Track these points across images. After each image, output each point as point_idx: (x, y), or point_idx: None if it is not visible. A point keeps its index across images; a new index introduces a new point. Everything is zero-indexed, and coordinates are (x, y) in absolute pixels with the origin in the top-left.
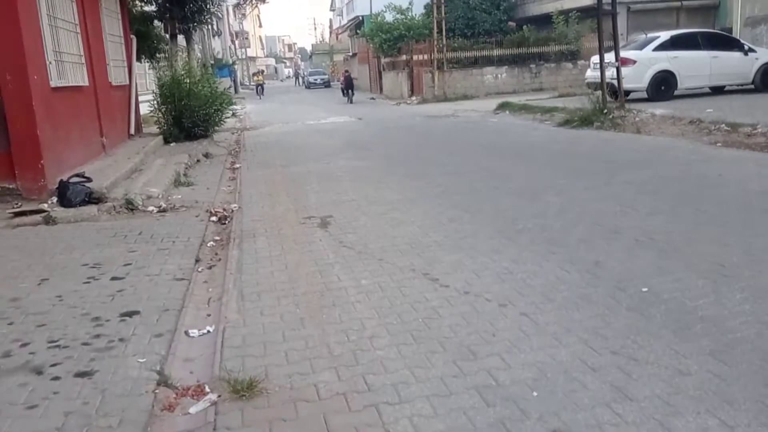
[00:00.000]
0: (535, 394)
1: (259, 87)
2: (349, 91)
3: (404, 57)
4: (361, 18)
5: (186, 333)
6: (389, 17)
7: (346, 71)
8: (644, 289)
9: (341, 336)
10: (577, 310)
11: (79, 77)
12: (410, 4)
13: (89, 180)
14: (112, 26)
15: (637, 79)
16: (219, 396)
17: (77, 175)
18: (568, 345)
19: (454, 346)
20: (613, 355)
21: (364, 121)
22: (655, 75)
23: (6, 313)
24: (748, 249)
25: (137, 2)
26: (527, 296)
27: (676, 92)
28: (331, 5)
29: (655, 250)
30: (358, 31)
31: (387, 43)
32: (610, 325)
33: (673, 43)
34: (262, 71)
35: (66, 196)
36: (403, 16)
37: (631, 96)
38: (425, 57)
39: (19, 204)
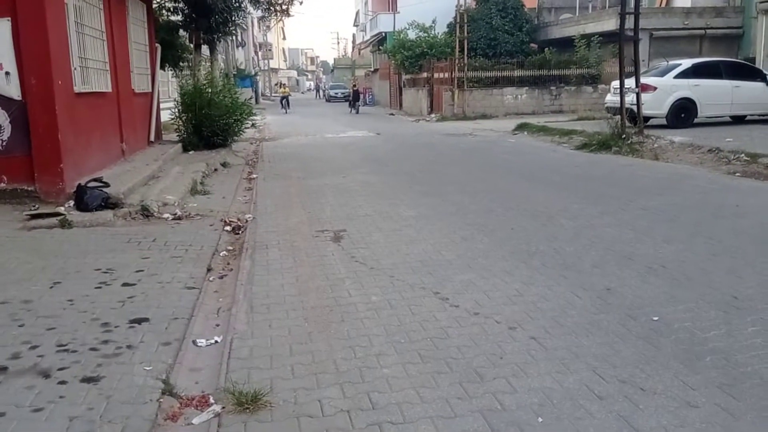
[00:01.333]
0: (540, 420)
1: (284, 99)
2: (356, 103)
3: (425, 74)
4: (384, 34)
5: (194, 342)
6: (412, 35)
7: (354, 86)
8: (655, 318)
9: (348, 352)
10: (587, 336)
11: (103, 83)
12: (433, 22)
13: (107, 185)
14: (138, 35)
15: (657, 105)
16: (223, 408)
17: (95, 180)
18: (576, 371)
19: (461, 367)
20: (621, 384)
21: (382, 137)
22: (675, 102)
23: (17, 314)
24: (763, 281)
25: (164, 12)
26: (537, 320)
27: (696, 120)
28: (355, 20)
29: (667, 279)
30: (380, 47)
31: (409, 60)
32: (619, 353)
33: (695, 71)
34: (283, 83)
35: (83, 200)
36: (425, 34)
37: (651, 122)
38: (446, 75)
39: (37, 206)
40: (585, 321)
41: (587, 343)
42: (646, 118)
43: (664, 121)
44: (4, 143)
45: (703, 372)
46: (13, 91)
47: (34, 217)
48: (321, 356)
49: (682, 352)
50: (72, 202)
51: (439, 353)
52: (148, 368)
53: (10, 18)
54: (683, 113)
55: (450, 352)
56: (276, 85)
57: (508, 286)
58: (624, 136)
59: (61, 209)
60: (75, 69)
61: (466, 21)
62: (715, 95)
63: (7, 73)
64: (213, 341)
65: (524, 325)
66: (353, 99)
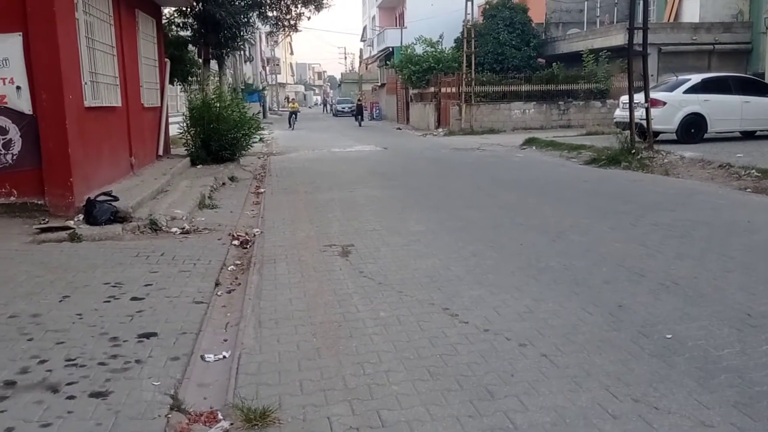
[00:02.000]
0: None
1: (293, 115)
2: (359, 116)
3: (432, 89)
4: (391, 49)
5: (202, 357)
6: (419, 49)
7: (359, 100)
8: (668, 336)
9: (357, 368)
10: (599, 353)
11: (113, 98)
12: (440, 37)
13: (116, 199)
14: (148, 50)
15: (666, 120)
16: (231, 424)
17: (104, 194)
18: (589, 389)
19: (471, 384)
20: (635, 403)
21: (389, 151)
22: (685, 117)
23: (26, 328)
24: None
25: (173, 27)
26: (548, 337)
27: (706, 136)
28: (362, 35)
29: (680, 296)
30: (387, 62)
31: (416, 74)
32: (632, 371)
33: (705, 86)
34: (291, 98)
35: (92, 214)
36: (432, 49)
37: (660, 137)
38: (453, 90)
39: (46, 220)
40: (597, 338)
41: (599, 360)
42: (656, 134)
43: (673, 137)
44: (15, 157)
45: (717, 391)
46: (24, 106)
47: (43, 230)
48: (330, 372)
49: (696, 370)
50: (81, 216)
51: (449, 370)
52: (156, 383)
53: (21, 33)
54: (693, 128)
55: (460, 369)
56: (285, 99)
57: (518, 302)
58: (633, 151)
59: (71, 223)
60: (85, 84)
61: (473, 36)
62: (725, 110)
63: (18, 88)
64: (221, 356)
65: (535, 342)
66: (357, 113)
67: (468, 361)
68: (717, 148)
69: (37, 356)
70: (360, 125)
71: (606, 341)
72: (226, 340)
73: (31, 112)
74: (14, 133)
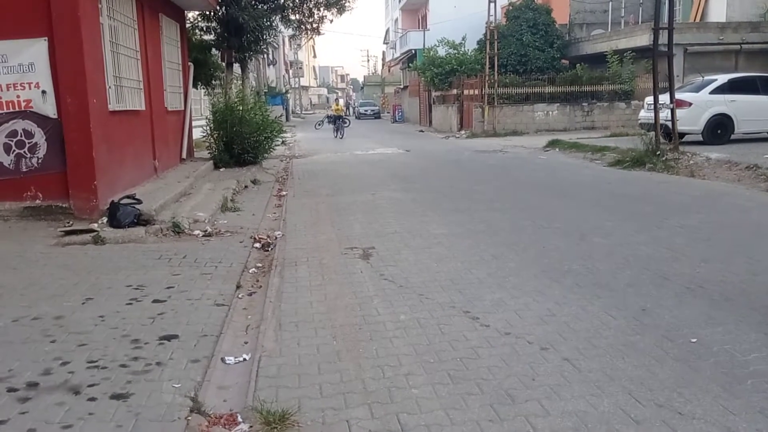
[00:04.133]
0: None
1: (339, 120)
2: (339, 131)
3: (455, 91)
4: (413, 51)
5: (222, 360)
6: (442, 52)
7: (337, 109)
8: (693, 340)
9: (377, 371)
10: (622, 358)
11: (137, 102)
12: (463, 39)
13: (139, 202)
14: (172, 54)
15: (692, 121)
16: (251, 426)
17: (128, 197)
18: (611, 394)
19: (491, 388)
20: (658, 408)
21: (412, 154)
22: (711, 118)
23: (50, 330)
24: None
25: (197, 31)
26: (570, 340)
27: (732, 136)
28: (385, 38)
29: (706, 299)
30: (410, 64)
31: (438, 77)
32: (656, 376)
33: (731, 87)
34: (337, 98)
35: (116, 216)
36: (455, 51)
37: (686, 138)
38: (476, 92)
39: (71, 223)
40: (620, 342)
41: (622, 365)
42: (681, 135)
43: (699, 138)
44: (40, 161)
45: (744, 396)
46: (49, 110)
47: (68, 233)
48: (349, 375)
49: (722, 375)
50: (105, 219)
51: (470, 374)
52: (176, 385)
53: (47, 38)
54: (719, 129)
55: (480, 373)
56: (335, 101)
57: (540, 306)
58: (658, 152)
59: (95, 226)
60: (110, 87)
61: (496, 37)
62: (753, 111)
63: (43, 92)
64: (241, 359)
65: (557, 346)
66: (334, 124)
67: (489, 365)
68: (744, 150)
69: (60, 358)
70: (341, 137)
71: (629, 345)
72: (246, 343)
73: (56, 116)
74: (40, 136)
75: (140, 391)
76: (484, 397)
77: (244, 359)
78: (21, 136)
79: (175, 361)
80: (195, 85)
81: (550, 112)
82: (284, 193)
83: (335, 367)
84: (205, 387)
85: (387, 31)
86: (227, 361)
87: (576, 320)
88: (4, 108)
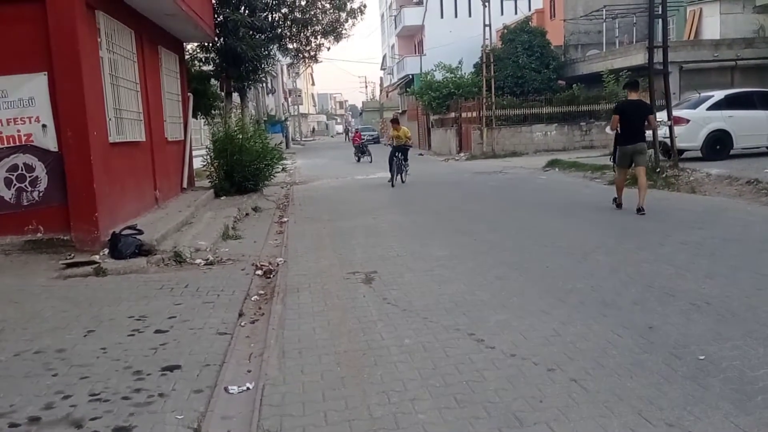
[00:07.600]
0: None
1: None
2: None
3: (453, 114)
4: (411, 76)
5: (225, 389)
6: (439, 76)
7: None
8: (701, 357)
9: (382, 397)
10: (630, 377)
11: (137, 133)
12: (459, 63)
13: (141, 232)
14: (171, 85)
15: (691, 138)
16: None
17: (129, 227)
18: (621, 415)
19: (499, 411)
20: (669, 428)
21: (411, 177)
22: (709, 134)
23: (51, 364)
24: None
25: (196, 62)
26: (577, 361)
27: (731, 152)
28: (382, 64)
29: (712, 316)
30: (407, 89)
31: (436, 100)
32: (666, 395)
33: (728, 103)
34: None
35: (117, 248)
36: (452, 75)
37: (685, 155)
38: (474, 114)
39: (72, 255)
40: (627, 361)
41: (631, 384)
42: (681, 151)
43: (698, 154)
44: (41, 194)
45: (755, 413)
46: (50, 143)
47: (69, 265)
48: (354, 402)
49: (732, 392)
50: (106, 250)
51: (476, 397)
52: (179, 417)
53: (47, 72)
54: (718, 145)
55: (487, 396)
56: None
57: (545, 326)
58: (659, 169)
59: (96, 257)
60: (110, 120)
61: (492, 60)
62: (750, 126)
63: (44, 126)
64: (245, 388)
65: (564, 367)
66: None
67: (495, 387)
68: (744, 164)
69: (62, 391)
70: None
71: (637, 364)
72: (249, 371)
73: (56, 149)
74: (40, 170)
75: (143, 424)
76: (492, 421)
77: (248, 388)
78: (22, 170)
79: (177, 392)
80: (195, 115)
81: (549, 133)
82: (285, 219)
83: (340, 394)
84: (209, 418)
85: (384, 57)
86: (230, 391)
87: (582, 340)
88: (5, 143)
